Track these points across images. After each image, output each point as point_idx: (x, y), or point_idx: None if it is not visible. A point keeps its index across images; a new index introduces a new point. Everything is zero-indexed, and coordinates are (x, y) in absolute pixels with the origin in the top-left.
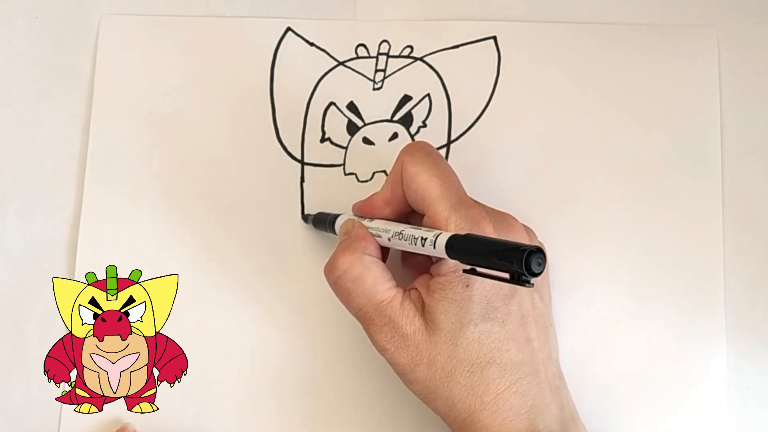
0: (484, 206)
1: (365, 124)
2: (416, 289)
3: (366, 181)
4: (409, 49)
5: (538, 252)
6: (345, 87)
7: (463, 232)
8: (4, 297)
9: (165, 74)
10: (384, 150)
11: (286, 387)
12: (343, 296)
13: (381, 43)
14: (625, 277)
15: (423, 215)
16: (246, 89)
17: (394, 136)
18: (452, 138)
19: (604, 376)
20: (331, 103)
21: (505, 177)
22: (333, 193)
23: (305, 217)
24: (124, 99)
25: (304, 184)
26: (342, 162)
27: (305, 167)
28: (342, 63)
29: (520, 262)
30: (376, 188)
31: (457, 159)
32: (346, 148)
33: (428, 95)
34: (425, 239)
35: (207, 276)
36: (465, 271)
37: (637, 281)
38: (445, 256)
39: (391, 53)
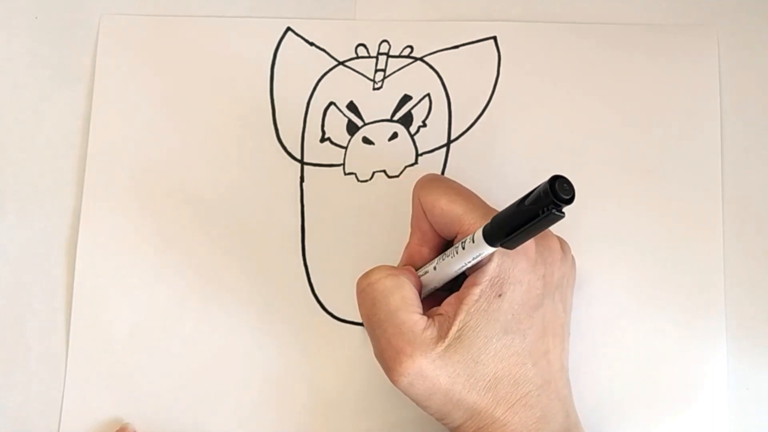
0: None
1: (365, 124)
2: (442, 314)
3: (366, 180)
4: (409, 49)
5: (561, 178)
6: (345, 87)
7: None
8: (4, 297)
9: (165, 74)
10: (384, 150)
11: (286, 387)
12: (367, 306)
13: (381, 43)
14: (625, 278)
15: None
16: (246, 89)
17: (394, 135)
18: (452, 138)
19: (605, 376)
20: (331, 103)
21: (504, 177)
22: (333, 193)
23: None
24: (124, 99)
25: (304, 184)
26: (342, 162)
27: (305, 167)
28: (342, 63)
29: (548, 193)
30: (375, 188)
31: (457, 159)
32: (345, 147)
33: (428, 95)
34: (464, 242)
35: (207, 275)
36: (503, 244)
37: (637, 281)
38: (485, 246)
39: (391, 53)
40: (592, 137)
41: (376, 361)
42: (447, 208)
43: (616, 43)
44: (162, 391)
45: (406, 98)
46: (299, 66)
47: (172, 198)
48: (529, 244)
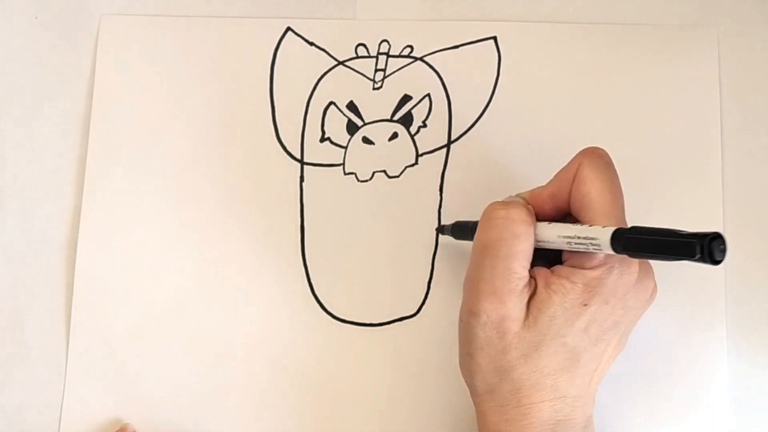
0: None
1: (365, 124)
2: (534, 278)
3: (366, 180)
4: (409, 49)
5: (719, 238)
6: (345, 86)
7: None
8: (4, 297)
9: (165, 74)
10: (384, 150)
11: (285, 387)
12: (490, 236)
13: (381, 42)
14: None
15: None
16: (246, 89)
17: (394, 135)
18: (452, 138)
19: (605, 377)
20: (331, 103)
21: (505, 177)
22: (333, 193)
23: (441, 228)
24: (124, 99)
25: (304, 184)
26: (342, 162)
27: (305, 167)
28: (342, 62)
29: (702, 248)
30: (375, 188)
31: (457, 159)
32: (345, 147)
33: (428, 95)
34: (592, 225)
35: (206, 275)
36: (624, 239)
37: None
38: (606, 238)
39: (391, 53)
40: (591, 137)
41: (376, 362)
42: (595, 194)
43: (616, 43)
44: (162, 391)
45: (406, 98)
46: (299, 66)
47: (171, 198)
48: (631, 276)
